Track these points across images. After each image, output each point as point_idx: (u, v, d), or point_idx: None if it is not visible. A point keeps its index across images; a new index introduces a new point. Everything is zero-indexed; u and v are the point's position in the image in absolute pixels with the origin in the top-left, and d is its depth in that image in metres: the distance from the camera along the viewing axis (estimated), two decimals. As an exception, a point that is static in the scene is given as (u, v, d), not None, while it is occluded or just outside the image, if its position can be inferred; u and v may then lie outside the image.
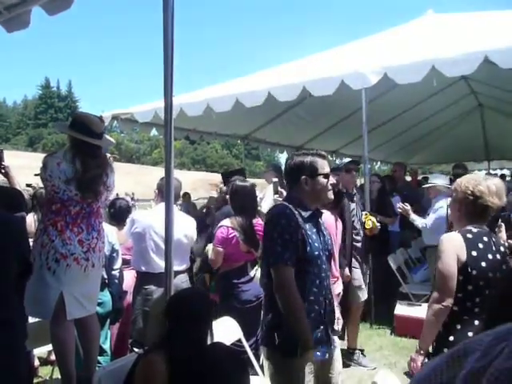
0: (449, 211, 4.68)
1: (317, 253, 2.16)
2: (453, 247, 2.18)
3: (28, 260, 2.26)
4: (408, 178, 9.22)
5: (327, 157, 2.37)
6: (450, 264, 2.16)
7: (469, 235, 2.22)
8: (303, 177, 2.22)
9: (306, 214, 2.19)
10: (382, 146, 10.02)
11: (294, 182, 2.28)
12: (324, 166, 2.26)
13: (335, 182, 2.55)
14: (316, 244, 2.17)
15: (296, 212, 2.16)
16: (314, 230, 2.22)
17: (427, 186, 5.39)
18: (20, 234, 2.17)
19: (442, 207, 4.84)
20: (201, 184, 49.18)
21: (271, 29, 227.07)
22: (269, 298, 2.19)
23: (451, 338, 2.17)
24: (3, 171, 3.29)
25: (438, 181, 5.20)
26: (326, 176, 2.25)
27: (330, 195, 2.30)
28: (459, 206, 2.33)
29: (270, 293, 2.14)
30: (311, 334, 2.09)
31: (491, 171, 13.19)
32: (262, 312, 2.27)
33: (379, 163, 13.39)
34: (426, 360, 2.25)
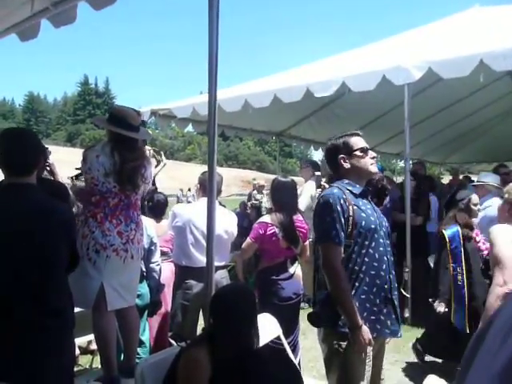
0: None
1: (373, 226, 2.16)
2: (505, 232, 2.15)
3: (76, 250, 2.29)
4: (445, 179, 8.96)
5: (361, 134, 2.41)
6: (507, 246, 2.12)
7: None
8: (340, 156, 2.28)
9: (357, 191, 2.22)
10: (420, 144, 9.75)
11: (334, 165, 2.33)
12: (358, 142, 2.31)
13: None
14: (372, 218, 2.18)
15: (346, 190, 2.18)
16: (369, 206, 2.23)
17: (476, 184, 5.17)
18: (70, 222, 2.20)
19: (489, 206, 4.64)
20: (233, 181, 49.39)
21: (298, 20, 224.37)
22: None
23: None
24: (48, 169, 3.38)
25: (489, 179, 4.97)
26: (363, 150, 2.28)
27: (373, 168, 2.30)
28: (509, 207, 2.32)
29: None
30: (356, 315, 2.03)
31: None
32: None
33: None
34: None
